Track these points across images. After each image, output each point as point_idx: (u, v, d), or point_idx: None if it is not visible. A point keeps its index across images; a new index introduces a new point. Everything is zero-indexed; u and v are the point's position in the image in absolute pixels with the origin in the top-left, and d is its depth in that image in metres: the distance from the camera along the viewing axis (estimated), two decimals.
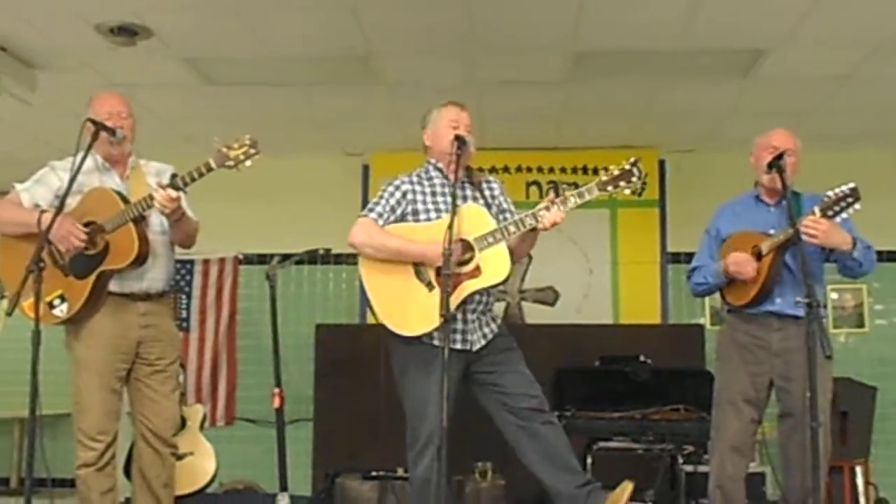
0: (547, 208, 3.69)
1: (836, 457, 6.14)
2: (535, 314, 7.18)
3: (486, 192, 4.02)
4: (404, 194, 3.95)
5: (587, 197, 3.71)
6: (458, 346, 3.79)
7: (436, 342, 3.69)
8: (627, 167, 3.72)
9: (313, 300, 7.52)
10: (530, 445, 3.80)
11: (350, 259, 7.43)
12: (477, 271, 3.72)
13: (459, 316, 3.78)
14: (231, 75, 5.72)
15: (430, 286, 3.76)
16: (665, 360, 5.86)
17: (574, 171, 7.25)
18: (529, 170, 7.37)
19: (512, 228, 3.73)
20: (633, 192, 3.98)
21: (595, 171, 7.26)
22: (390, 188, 3.98)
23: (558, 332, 6.60)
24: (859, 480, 6.35)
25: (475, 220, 3.77)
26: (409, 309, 3.78)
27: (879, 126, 6.61)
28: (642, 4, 4.71)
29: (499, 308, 6.62)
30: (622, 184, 3.72)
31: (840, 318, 7.20)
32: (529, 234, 3.78)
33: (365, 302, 7.27)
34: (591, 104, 6.27)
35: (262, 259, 7.19)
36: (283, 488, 5.34)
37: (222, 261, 7.45)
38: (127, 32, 4.96)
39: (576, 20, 4.88)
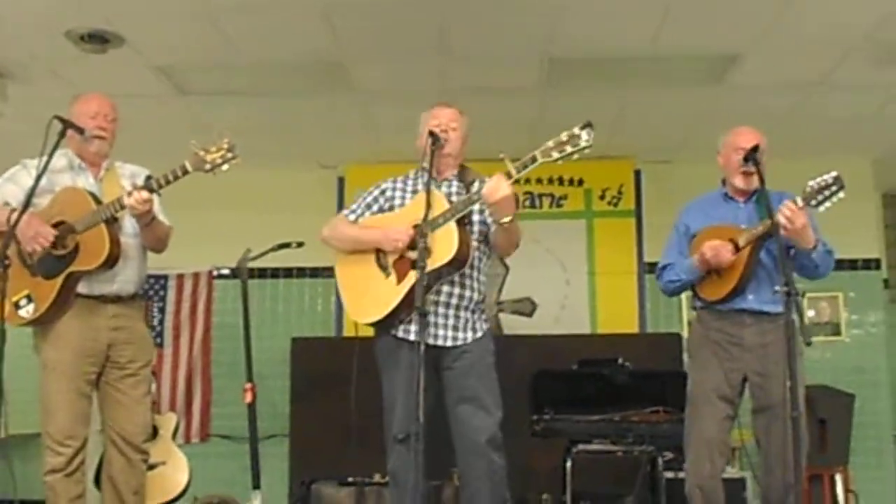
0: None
1: (815, 465, 6.18)
2: (512, 325, 7.14)
3: (473, 189, 3.88)
4: (382, 192, 3.99)
5: (530, 166, 3.55)
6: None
7: (399, 334, 3.72)
8: (577, 131, 3.46)
9: (289, 314, 7.44)
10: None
11: (326, 272, 7.36)
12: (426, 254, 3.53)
13: (430, 308, 3.68)
14: (203, 85, 5.68)
15: (386, 272, 3.75)
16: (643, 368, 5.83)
17: (550, 181, 7.24)
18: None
19: (460, 206, 3.66)
20: (580, 152, 3.47)
21: (571, 182, 7.29)
22: (371, 188, 4.04)
23: (536, 343, 6.57)
24: (839, 488, 6.33)
25: (437, 206, 3.67)
26: (366, 296, 3.78)
27: (854, 133, 6.62)
28: (616, 10, 4.71)
29: None
30: (568, 148, 3.45)
31: (816, 327, 7.19)
32: (503, 227, 3.67)
33: (341, 315, 7.31)
34: (566, 113, 6.15)
35: (237, 274, 7.11)
36: (256, 486, 5.18)
37: (196, 275, 7.38)
38: (98, 40, 4.90)
39: (550, 26, 4.88)
